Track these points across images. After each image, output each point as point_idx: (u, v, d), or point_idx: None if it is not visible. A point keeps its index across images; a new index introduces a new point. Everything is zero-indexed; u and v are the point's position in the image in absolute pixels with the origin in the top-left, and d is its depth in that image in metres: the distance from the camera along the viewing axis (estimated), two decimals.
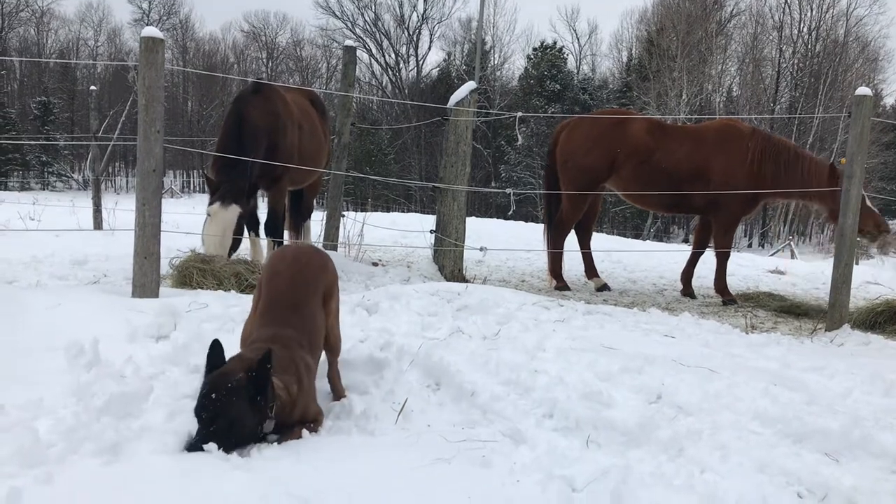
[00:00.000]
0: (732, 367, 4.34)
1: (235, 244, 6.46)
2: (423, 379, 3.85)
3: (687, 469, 2.85)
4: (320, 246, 9.17)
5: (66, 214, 12.47)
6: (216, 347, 2.87)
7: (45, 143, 44.13)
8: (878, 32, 53.05)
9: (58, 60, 55.13)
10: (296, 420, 3.01)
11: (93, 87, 14.80)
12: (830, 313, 6.33)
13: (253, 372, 2.75)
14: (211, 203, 6.37)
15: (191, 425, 2.82)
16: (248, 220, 7.31)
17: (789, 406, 3.63)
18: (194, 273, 5.92)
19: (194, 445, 2.65)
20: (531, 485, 2.64)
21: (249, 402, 2.73)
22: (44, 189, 44.58)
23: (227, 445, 2.68)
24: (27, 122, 50.62)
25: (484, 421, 3.31)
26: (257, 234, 7.54)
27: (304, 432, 2.99)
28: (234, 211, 6.32)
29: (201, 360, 2.97)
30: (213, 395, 2.68)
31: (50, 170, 50.99)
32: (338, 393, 3.54)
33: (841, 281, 6.26)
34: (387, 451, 2.88)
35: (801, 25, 45.27)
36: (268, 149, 6.78)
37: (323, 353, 3.58)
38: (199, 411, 2.70)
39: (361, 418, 3.24)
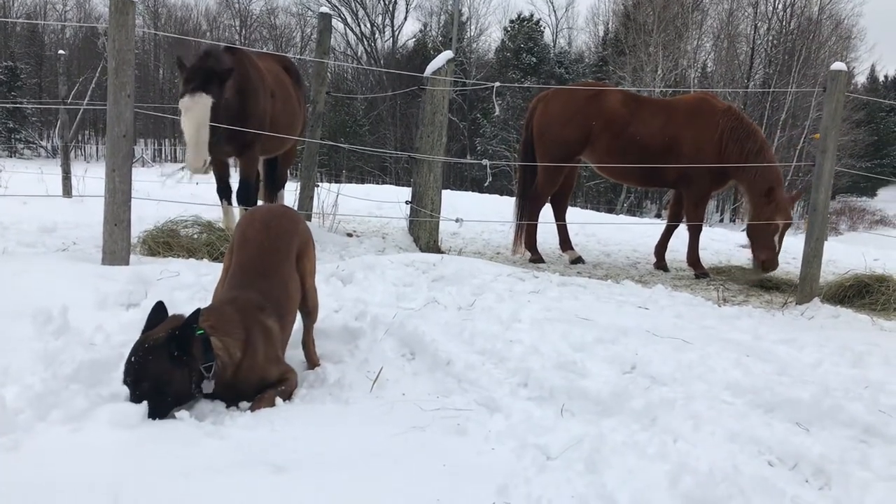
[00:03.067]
0: (705, 339, 4.38)
1: (220, 168, 6.29)
2: (398, 348, 3.84)
3: (660, 438, 2.88)
4: None
5: (34, 182, 12.21)
6: (158, 310, 2.87)
7: (12, 105, 43.14)
8: (851, 10, 53.55)
9: (25, 21, 53.76)
10: (253, 384, 2.98)
11: (61, 52, 14.46)
12: (801, 287, 6.41)
13: (176, 331, 2.72)
14: (181, 96, 6.06)
15: None
16: (220, 188, 7.19)
17: (761, 377, 3.68)
18: (160, 248, 5.82)
19: (151, 413, 2.64)
20: (506, 453, 2.65)
21: (171, 361, 2.69)
22: (11, 156, 43.66)
23: (160, 407, 2.67)
24: None
25: (459, 390, 3.31)
26: (230, 203, 7.43)
27: (278, 399, 2.96)
28: (205, 100, 5.98)
29: None
30: (134, 358, 2.67)
31: (17, 136, 49.98)
32: (312, 361, 3.52)
33: (812, 255, 6.33)
34: (361, 420, 2.87)
35: (776, 2, 45.46)
36: (238, 114, 6.60)
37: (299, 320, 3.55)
38: (125, 376, 2.69)
39: (336, 387, 3.22)
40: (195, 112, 5.95)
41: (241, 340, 2.94)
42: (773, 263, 7.65)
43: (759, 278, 7.70)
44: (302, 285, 3.51)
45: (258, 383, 3.00)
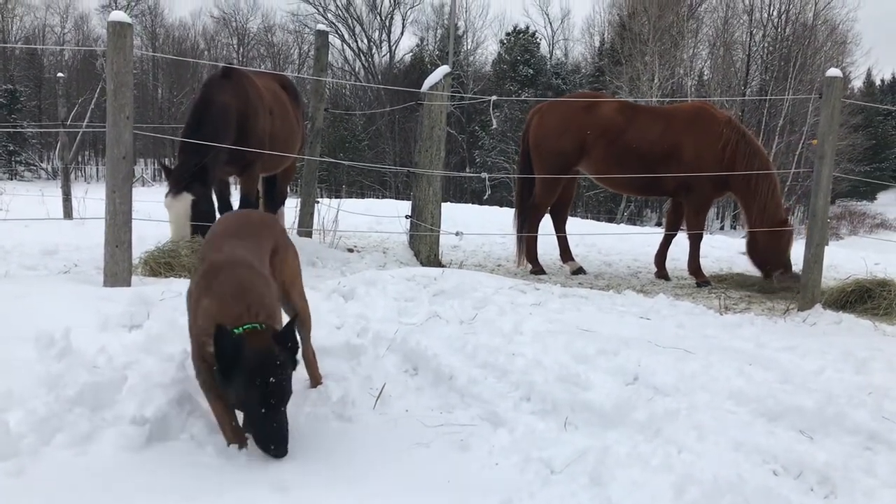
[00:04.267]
0: (707, 348, 4.38)
1: (204, 230, 6.38)
2: (401, 364, 3.84)
3: (664, 449, 2.87)
4: (294, 233, 9.11)
5: (34, 204, 12.24)
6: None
7: (11, 129, 43.26)
8: (846, 16, 53.56)
9: (24, 46, 54.01)
10: None
11: (60, 75, 14.54)
12: (802, 293, 6.40)
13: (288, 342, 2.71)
14: (166, 195, 6.32)
15: (165, 413, 2.78)
16: (221, 207, 7.22)
17: (764, 385, 3.67)
18: (161, 268, 5.86)
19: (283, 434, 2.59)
20: (509, 467, 2.64)
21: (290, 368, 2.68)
22: (11, 179, 43.75)
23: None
24: None
25: (462, 405, 3.31)
26: None
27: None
28: (186, 199, 6.21)
29: (175, 348, 2.95)
30: (277, 378, 2.57)
31: (18, 159, 50.11)
32: (315, 379, 3.49)
33: (813, 261, 6.33)
34: (365, 437, 2.87)
35: (771, 9, 45.55)
36: (239, 133, 6.68)
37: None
38: (273, 398, 2.55)
39: (339, 404, 3.22)
40: (176, 208, 6.25)
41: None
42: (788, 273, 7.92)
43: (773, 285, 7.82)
44: (286, 294, 3.37)
45: None
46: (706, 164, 7.93)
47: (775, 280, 7.86)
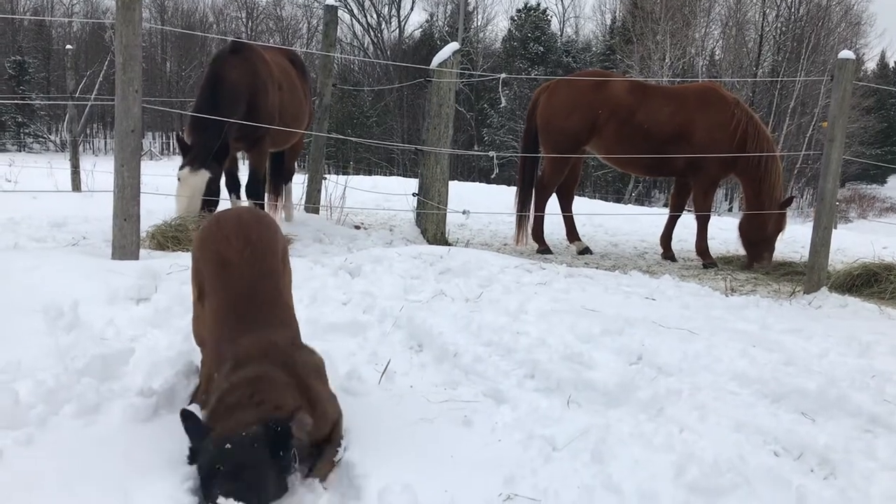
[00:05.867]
0: (712, 329, 4.39)
1: (213, 206, 6.40)
2: (407, 341, 3.87)
3: (666, 428, 2.90)
4: (301, 209, 9.12)
5: (43, 176, 12.28)
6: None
7: (20, 101, 43.27)
8: None
9: (32, 17, 53.85)
10: (324, 433, 2.49)
11: (69, 47, 14.50)
12: (809, 276, 6.39)
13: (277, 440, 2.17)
14: (181, 167, 6.33)
15: (171, 385, 2.82)
16: (228, 182, 7.24)
17: (767, 367, 3.69)
18: (168, 242, 5.89)
19: None
20: (512, 444, 2.67)
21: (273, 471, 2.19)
22: (20, 150, 43.78)
23: None
24: (2, 83, 49.53)
25: (466, 382, 3.33)
26: (238, 197, 7.47)
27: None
28: (203, 176, 6.27)
29: (183, 322, 2.97)
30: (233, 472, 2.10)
31: (26, 131, 50.12)
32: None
33: (820, 244, 6.31)
34: (370, 412, 2.89)
35: None
36: (247, 110, 6.68)
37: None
38: (217, 488, 2.07)
39: (345, 379, 3.24)
40: (192, 182, 6.28)
41: (306, 403, 2.41)
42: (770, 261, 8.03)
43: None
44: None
45: (321, 437, 2.50)
46: (718, 144, 7.90)
47: (757, 263, 7.91)
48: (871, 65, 57.52)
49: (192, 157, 6.28)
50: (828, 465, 2.71)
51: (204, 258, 2.78)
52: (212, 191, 6.37)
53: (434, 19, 57.25)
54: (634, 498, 2.35)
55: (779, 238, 8.11)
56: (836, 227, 6.99)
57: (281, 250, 2.91)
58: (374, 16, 59.43)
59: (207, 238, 2.82)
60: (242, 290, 2.63)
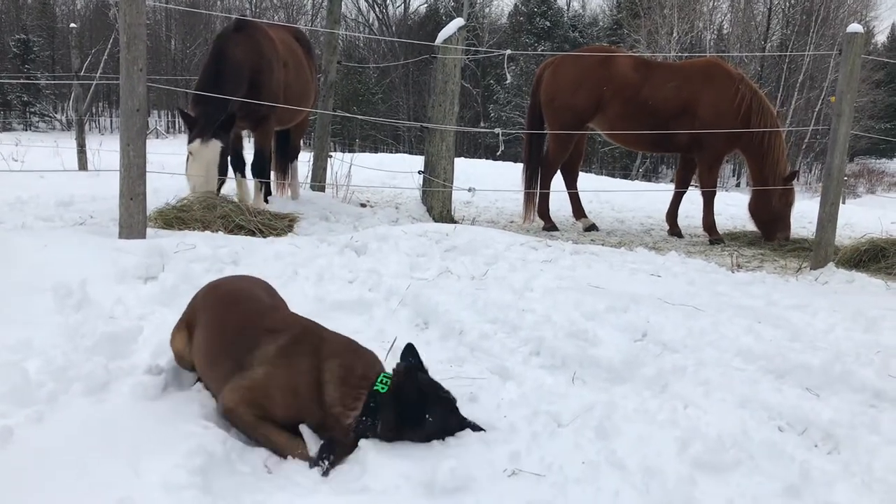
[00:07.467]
0: (717, 305, 4.39)
1: (219, 184, 6.39)
2: (412, 318, 3.88)
3: (670, 404, 2.91)
4: (307, 187, 9.13)
5: (49, 155, 12.31)
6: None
7: (26, 81, 43.23)
8: None
9: None
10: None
11: (73, 25, 14.49)
12: (816, 252, 6.38)
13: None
14: (190, 141, 6.26)
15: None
16: (234, 161, 7.23)
17: (772, 343, 3.70)
18: (173, 223, 5.88)
19: None
20: (518, 420, 2.68)
21: None
22: (26, 129, 43.81)
23: None
24: (6, 61, 49.36)
25: (472, 358, 3.35)
26: (244, 175, 7.47)
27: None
28: (216, 146, 6.18)
29: (189, 300, 2.98)
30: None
31: (32, 110, 50.09)
32: None
33: (827, 220, 6.30)
34: None
35: None
36: (252, 87, 6.65)
37: None
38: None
39: None
40: (205, 154, 6.18)
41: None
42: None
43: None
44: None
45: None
46: (723, 119, 7.86)
47: (779, 239, 7.89)
48: (881, 37, 56.90)
49: (201, 129, 6.19)
50: (832, 440, 2.72)
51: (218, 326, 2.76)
52: (222, 165, 6.32)
53: None
54: (639, 473, 2.37)
55: (791, 213, 8.09)
56: (844, 203, 6.95)
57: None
58: None
59: (208, 301, 2.89)
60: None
